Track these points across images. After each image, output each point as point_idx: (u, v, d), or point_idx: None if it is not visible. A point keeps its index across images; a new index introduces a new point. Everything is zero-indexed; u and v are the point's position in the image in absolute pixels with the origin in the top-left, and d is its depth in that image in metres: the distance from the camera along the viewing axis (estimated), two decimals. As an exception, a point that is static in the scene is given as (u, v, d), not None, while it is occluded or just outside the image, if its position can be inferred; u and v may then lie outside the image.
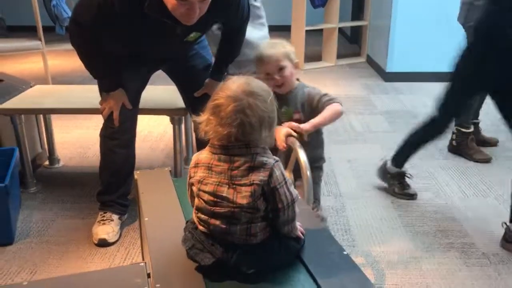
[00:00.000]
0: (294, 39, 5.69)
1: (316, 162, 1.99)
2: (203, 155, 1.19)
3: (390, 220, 2.41)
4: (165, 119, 2.58)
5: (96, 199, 2.33)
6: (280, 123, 1.83)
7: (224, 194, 1.13)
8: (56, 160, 3.03)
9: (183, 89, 2.39)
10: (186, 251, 1.21)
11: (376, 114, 4.04)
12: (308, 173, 1.67)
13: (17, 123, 2.57)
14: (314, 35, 6.58)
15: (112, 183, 2.27)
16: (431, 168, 2.99)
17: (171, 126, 2.51)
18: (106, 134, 2.21)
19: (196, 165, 1.20)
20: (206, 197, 1.16)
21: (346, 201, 2.60)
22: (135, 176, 1.72)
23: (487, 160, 3.05)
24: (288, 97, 1.89)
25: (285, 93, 1.88)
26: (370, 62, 5.73)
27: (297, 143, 1.76)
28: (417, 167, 2.98)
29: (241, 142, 1.12)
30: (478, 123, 3.26)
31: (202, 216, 1.19)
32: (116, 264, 2.07)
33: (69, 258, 2.10)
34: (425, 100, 4.36)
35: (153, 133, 3.57)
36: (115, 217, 2.25)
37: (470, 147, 3.11)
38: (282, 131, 1.74)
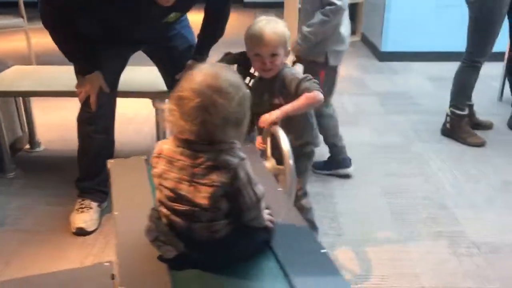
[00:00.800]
0: (287, 17, 5.53)
1: (304, 148, 1.88)
2: (167, 146, 1.11)
3: (379, 207, 2.34)
4: (150, 101, 2.48)
5: (75, 186, 2.25)
6: (262, 111, 1.73)
7: (183, 192, 1.07)
8: (37, 144, 2.93)
9: (164, 70, 2.29)
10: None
11: (369, 95, 3.94)
12: (291, 162, 1.59)
13: (-8, 106, 2.47)
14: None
15: (91, 170, 2.19)
16: (423, 152, 2.91)
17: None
18: (83, 119, 2.12)
19: (159, 156, 1.12)
20: (167, 192, 1.10)
21: (336, 187, 2.53)
22: (108, 165, 1.63)
23: (481, 144, 2.97)
24: (271, 82, 1.78)
25: (270, 77, 1.77)
26: (365, 41, 5.60)
27: (280, 131, 1.68)
28: (408, 151, 2.90)
29: (204, 140, 1.05)
30: (472, 105, 3.18)
31: (164, 210, 1.13)
32: (94, 253, 2.00)
33: (46, 248, 2.03)
34: (420, 81, 4.26)
35: (138, 116, 3.46)
36: (94, 204, 2.18)
37: (465, 130, 3.03)
38: (263, 119, 1.65)
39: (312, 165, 2.50)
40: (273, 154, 1.72)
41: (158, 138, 2.49)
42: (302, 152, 1.85)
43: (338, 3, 2.22)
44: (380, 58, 4.89)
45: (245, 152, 1.18)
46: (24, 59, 4.23)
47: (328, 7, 2.23)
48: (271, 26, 1.69)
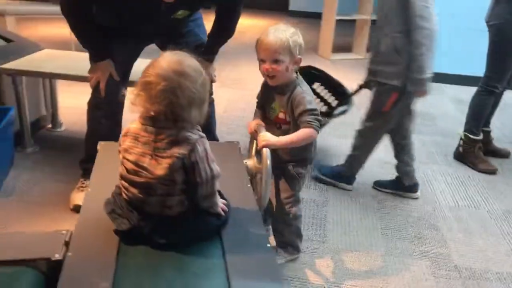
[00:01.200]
0: (324, 28, 5.58)
1: (297, 161, 1.86)
2: (133, 125, 1.22)
3: (369, 221, 2.34)
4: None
5: (79, 166, 2.37)
6: (268, 118, 1.82)
7: (145, 164, 1.17)
8: (58, 124, 3.10)
9: None
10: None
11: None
12: (268, 162, 1.64)
13: (18, 83, 2.64)
14: (348, 25, 6.44)
15: (95, 153, 2.30)
16: (430, 173, 2.88)
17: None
18: (93, 104, 2.24)
19: (126, 134, 1.23)
20: (129, 165, 1.20)
21: (331, 196, 2.55)
22: (98, 147, 1.74)
23: (491, 172, 2.91)
24: (279, 91, 1.76)
25: (275, 85, 1.76)
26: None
27: (262, 128, 1.74)
28: (415, 170, 2.88)
29: (168, 119, 1.15)
30: (489, 131, 3.11)
31: (124, 183, 1.22)
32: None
33: (42, 219, 2.16)
34: (445, 102, 4.20)
35: None
36: (93, 185, 2.29)
37: (477, 155, 2.98)
38: (260, 136, 1.69)
39: (376, 183, 2.68)
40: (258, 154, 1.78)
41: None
42: (294, 162, 1.85)
43: (427, 25, 2.11)
44: (411, 76, 4.83)
45: (227, 149, 1.30)
46: (66, 45, 4.45)
47: (416, 35, 2.13)
48: (276, 32, 1.69)
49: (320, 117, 1.72)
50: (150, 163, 1.17)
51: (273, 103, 1.81)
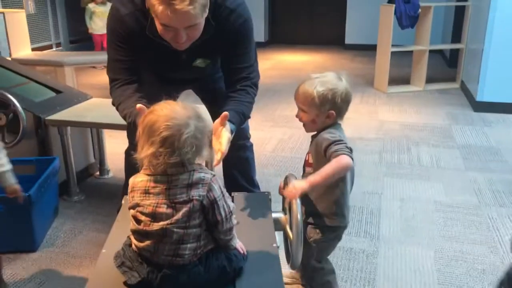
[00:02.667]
0: (379, 60, 5.40)
1: (326, 220, 1.69)
2: (139, 179, 1.22)
3: (425, 275, 2.11)
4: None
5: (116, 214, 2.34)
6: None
7: (162, 214, 1.17)
8: (105, 171, 3.13)
9: (210, 109, 2.33)
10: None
11: (451, 147, 3.64)
12: (298, 219, 1.49)
13: (63, 134, 2.69)
14: (405, 57, 6.21)
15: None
16: (496, 217, 2.59)
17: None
18: (129, 151, 2.21)
19: (133, 190, 1.22)
20: (144, 218, 1.19)
21: (382, 245, 2.34)
22: (123, 201, 1.68)
23: None
24: (313, 140, 1.70)
25: (308, 132, 1.72)
26: (464, 89, 5.22)
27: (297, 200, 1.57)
28: (479, 214, 2.60)
29: (176, 160, 1.16)
30: None
31: (135, 237, 1.23)
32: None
33: (79, 273, 2.13)
34: (513, 135, 3.86)
35: None
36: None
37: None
38: (287, 188, 1.54)
39: None
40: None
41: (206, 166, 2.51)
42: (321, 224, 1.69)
43: None
44: (475, 108, 4.52)
45: (257, 200, 1.50)
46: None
47: None
48: (307, 83, 1.63)
49: (349, 146, 1.55)
50: (167, 212, 1.17)
51: (311, 148, 1.72)
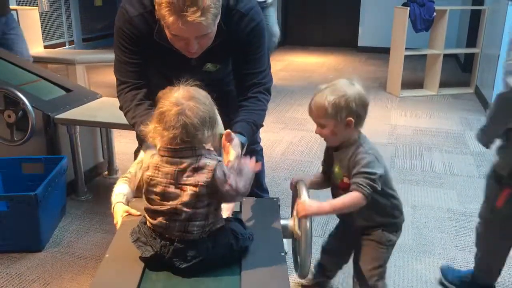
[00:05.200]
0: (392, 63, 5.33)
1: (386, 225, 1.68)
2: (154, 159, 1.29)
3: (437, 286, 2.05)
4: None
5: (124, 217, 2.31)
6: (334, 184, 1.68)
7: (171, 194, 1.25)
8: (114, 171, 3.11)
9: (221, 113, 2.29)
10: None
11: (465, 154, 3.57)
12: (307, 225, 1.46)
13: (72, 133, 2.67)
14: (418, 60, 6.13)
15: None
16: (511, 227, 2.52)
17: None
18: (139, 151, 2.18)
19: (147, 168, 1.29)
20: (154, 197, 1.28)
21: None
22: (129, 204, 1.65)
23: None
24: (339, 153, 1.62)
25: (332, 146, 1.65)
26: (478, 94, 5.14)
27: (304, 189, 1.56)
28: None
29: (186, 144, 1.24)
30: None
31: (148, 215, 1.31)
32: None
33: (84, 274, 2.10)
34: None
35: None
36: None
37: None
38: (299, 203, 1.52)
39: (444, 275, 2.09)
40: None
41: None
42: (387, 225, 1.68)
43: None
44: (490, 114, 4.43)
45: (265, 206, 1.56)
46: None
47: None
48: (318, 95, 1.57)
49: (376, 184, 1.52)
50: (175, 192, 1.25)
51: (336, 167, 1.65)
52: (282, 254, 1.37)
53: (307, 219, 1.46)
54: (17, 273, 2.10)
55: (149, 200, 1.30)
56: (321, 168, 1.78)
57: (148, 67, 1.86)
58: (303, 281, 1.97)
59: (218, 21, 1.54)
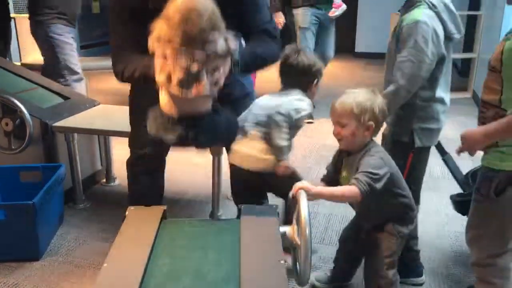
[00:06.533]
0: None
1: (398, 219, 1.76)
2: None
3: (436, 291, 2.05)
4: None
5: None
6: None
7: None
8: (112, 179, 3.10)
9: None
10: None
11: (463, 159, 3.54)
12: (307, 232, 1.45)
13: (69, 141, 2.67)
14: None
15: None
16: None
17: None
18: (131, 160, 2.15)
19: (158, 39, 1.32)
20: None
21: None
22: (126, 212, 1.64)
23: None
24: (350, 158, 1.72)
25: (345, 149, 1.73)
26: (476, 99, 5.15)
27: (303, 196, 1.56)
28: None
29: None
30: None
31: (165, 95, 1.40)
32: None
33: (83, 283, 2.09)
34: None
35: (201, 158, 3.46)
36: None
37: None
38: (298, 183, 1.58)
39: None
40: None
41: (213, 186, 2.48)
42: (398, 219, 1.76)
43: (407, 69, 1.75)
44: (488, 118, 4.44)
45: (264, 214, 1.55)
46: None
47: (397, 70, 1.79)
48: (344, 97, 1.69)
49: (376, 183, 1.58)
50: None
51: (344, 171, 1.73)
52: (282, 261, 1.37)
53: (306, 222, 1.45)
54: (14, 283, 2.09)
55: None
56: (320, 174, 1.80)
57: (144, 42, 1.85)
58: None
59: None
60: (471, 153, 1.60)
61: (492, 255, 1.67)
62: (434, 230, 2.54)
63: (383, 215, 1.75)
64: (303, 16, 4.26)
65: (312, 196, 1.56)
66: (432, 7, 1.80)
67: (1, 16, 3.96)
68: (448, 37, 1.83)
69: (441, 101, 1.93)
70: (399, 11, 1.98)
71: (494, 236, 1.66)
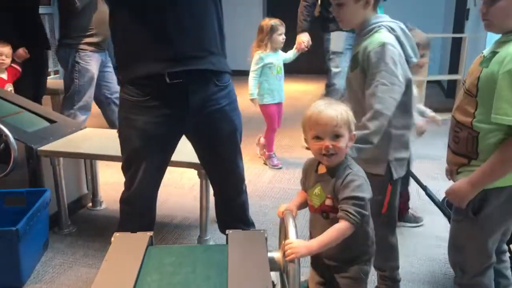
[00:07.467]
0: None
1: (361, 260, 1.62)
2: None
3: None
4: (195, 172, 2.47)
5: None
6: (312, 207, 1.61)
7: None
8: (98, 202, 3.06)
9: (202, 156, 2.14)
10: None
11: (451, 180, 3.57)
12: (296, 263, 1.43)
13: (55, 165, 2.63)
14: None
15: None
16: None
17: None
18: (122, 199, 2.08)
19: None
20: None
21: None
22: (112, 238, 1.61)
23: None
24: (326, 175, 1.55)
25: (331, 166, 1.54)
26: (462, 119, 5.21)
27: (290, 219, 1.55)
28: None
29: None
30: None
31: None
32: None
33: (66, 311, 2.04)
34: None
35: (190, 180, 3.44)
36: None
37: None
38: (287, 245, 1.47)
39: None
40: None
41: (201, 209, 2.46)
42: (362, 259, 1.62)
43: (381, 93, 1.67)
44: (474, 139, 4.48)
45: (252, 239, 1.48)
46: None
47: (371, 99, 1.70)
48: (332, 106, 1.51)
49: (365, 210, 1.48)
50: None
51: (316, 189, 1.57)
52: (269, 287, 1.35)
53: (295, 268, 1.43)
54: (-4, 312, 2.03)
55: None
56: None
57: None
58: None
59: None
60: (462, 206, 1.60)
61: (476, 273, 1.66)
62: (424, 252, 2.52)
63: (350, 249, 1.58)
64: (337, 40, 4.22)
65: (302, 256, 1.46)
66: (391, 30, 1.76)
67: (38, 72, 4.15)
68: (406, 60, 1.78)
69: (412, 127, 1.90)
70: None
71: (476, 255, 1.66)
